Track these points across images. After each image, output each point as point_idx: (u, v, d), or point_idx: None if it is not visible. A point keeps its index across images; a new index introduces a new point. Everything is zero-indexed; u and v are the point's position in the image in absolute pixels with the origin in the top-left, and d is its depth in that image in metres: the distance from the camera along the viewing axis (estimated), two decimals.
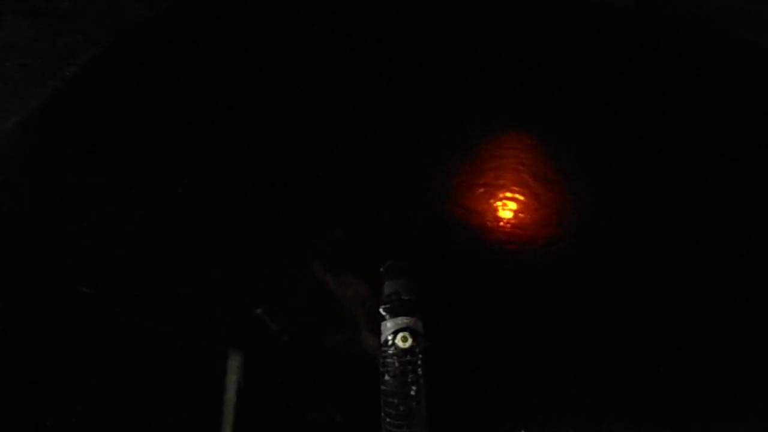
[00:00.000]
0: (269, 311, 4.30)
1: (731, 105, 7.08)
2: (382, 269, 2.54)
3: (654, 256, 5.09)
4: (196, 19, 8.47)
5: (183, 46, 7.82)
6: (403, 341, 2.38)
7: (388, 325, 2.42)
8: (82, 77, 7.26)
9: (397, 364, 2.35)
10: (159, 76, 7.16)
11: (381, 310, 2.46)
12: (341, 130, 6.29)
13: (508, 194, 5.72)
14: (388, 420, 2.39)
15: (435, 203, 5.47)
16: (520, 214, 5.51)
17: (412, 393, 2.37)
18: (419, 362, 2.37)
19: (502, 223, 5.40)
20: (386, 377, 2.38)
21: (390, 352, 2.38)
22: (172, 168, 5.78)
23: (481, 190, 5.73)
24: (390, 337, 2.39)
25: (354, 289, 4.45)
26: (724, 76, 7.72)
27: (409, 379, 2.36)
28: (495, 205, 5.59)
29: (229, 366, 4.15)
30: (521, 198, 5.68)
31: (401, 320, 2.42)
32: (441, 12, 8.92)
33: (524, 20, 8.80)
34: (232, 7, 8.67)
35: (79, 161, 5.90)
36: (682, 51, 8.32)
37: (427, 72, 7.69)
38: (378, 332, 4.14)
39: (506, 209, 5.56)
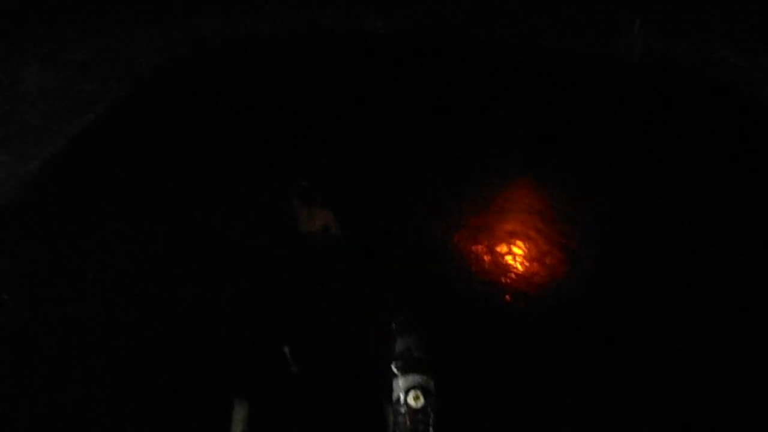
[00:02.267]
0: (292, 351, 4.25)
1: (735, 154, 7.16)
2: (393, 325, 2.52)
3: (663, 302, 5.08)
4: (209, 69, 8.71)
5: (196, 96, 8.06)
6: (414, 400, 2.35)
7: (400, 383, 2.39)
8: (98, 125, 7.41)
9: (408, 423, 2.32)
10: (171, 125, 7.29)
11: (393, 367, 2.44)
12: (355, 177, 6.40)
13: (518, 243, 5.75)
14: None
15: (444, 256, 5.51)
16: (530, 264, 5.53)
17: None
18: (431, 422, 2.34)
19: (513, 273, 5.41)
20: None
21: (402, 410, 2.35)
22: (179, 213, 5.84)
23: (490, 239, 5.77)
24: (402, 396, 2.36)
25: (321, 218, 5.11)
26: (728, 126, 7.83)
27: None
28: (505, 254, 5.61)
29: (234, 417, 4.12)
30: (531, 247, 5.70)
31: (413, 378, 2.40)
32: (453, 62, 9.15)
33: (536, 72, 9.03)
34: (245, 59, 8.93)
35: (91, 205, 5.98)
36: (687, 102, 8.47)
37: (442, 125, 7.90)
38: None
39: (516, 259, 5.58)
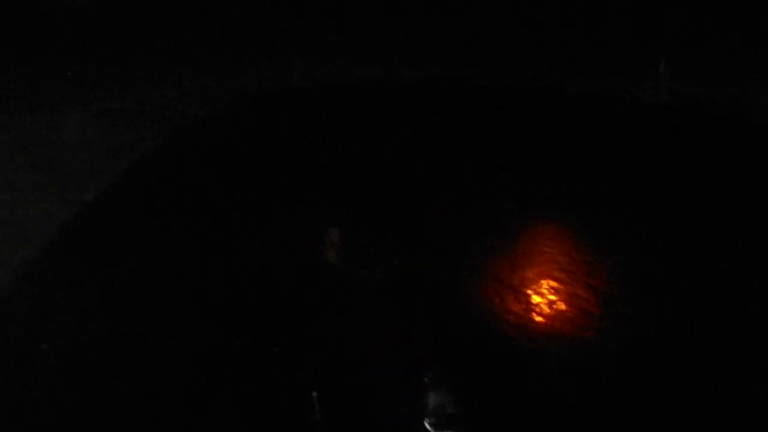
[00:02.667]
0: (321, 397, 4.22)
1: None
2: (426, 379, 2.53)
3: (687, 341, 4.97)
4: (242, 119, 8.99)
5: (230, 142, 8.32)
6: None
7: None
8: (137, 172, 7.63)
9: None
10: (206, 172, 7.46)
11: (426, 424, 2.45)
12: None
13: (544, 291, 5.70)
14: None
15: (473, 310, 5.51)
16: (559, 312, 5.47)
17: None
18: None
19: (539, 321, 5.35)
20: None
21: None
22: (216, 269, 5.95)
23: (517, 289, 5.74)
24: None
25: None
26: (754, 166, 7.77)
27: None
28: (533, 304, 5.56)
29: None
30: (558, 295, 5.65)
31: None
32: (474, 108, 9.32)
33: (554, 116, 9.14)
34: (278, 108, 9.21)
35: (126, 254, 6.11)
36: (711, 141, 8.46)
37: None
38: None
39: (543, 306, 5.52)
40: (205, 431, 4.16)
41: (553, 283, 5.76)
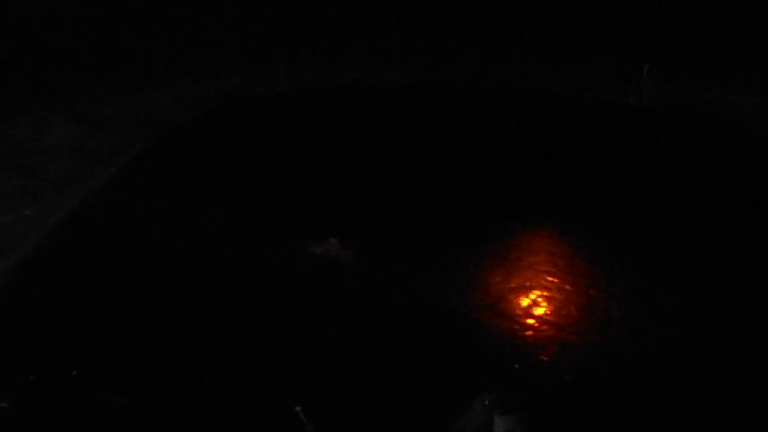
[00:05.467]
0: (306, 410, 4.20)
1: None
2: (486, 401, 2.39)
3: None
4: (228, 124, 8.92)
5: (214, 148, 8.24)
6: None
7: None
8: (119, 178, 7.51)
9: None
10: (189, 178, 7.36)
11: None
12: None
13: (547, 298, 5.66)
14: None
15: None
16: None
17: None
18: None
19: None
20: None
21: None
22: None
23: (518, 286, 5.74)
24: None
25: None
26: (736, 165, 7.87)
27: None
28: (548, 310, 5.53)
29: None
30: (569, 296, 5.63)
31: None
32: (458, 112, 9.35)
33: (536, 120, 9.18)
34: (263, 113, 9.15)
35: (112, 261, 6.02)
36: (694, 143, 8.55)
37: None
38: None
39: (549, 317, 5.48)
40: None
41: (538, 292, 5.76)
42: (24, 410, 4.29)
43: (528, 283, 5.81)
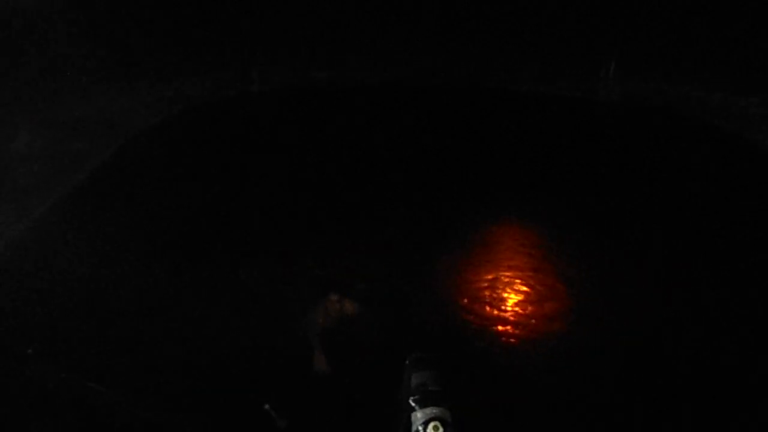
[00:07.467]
0: (276, 407, 4.19)
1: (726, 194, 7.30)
2: (407, 361, 2.55)
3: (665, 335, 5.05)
4: (198, 126, 8.81)
5: (184, 152, 8.09)
6: (434, 430, 2.34)
7: (419, 416, 2.37)
8: (88, 184, 7.32)
9: None
10: (159, 183, 7.25)
11: (410, 401, 2.43)
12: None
13: (519, 282, 5.75)
14: None
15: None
16: (534, 302, 5.52)
17: None
18: None
19: (518, 311, 5.39)
20: None
21: None
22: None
23: (491, 279, 5.79)
24: (421, 428, 2.35)
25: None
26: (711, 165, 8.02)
27: None
28: (507, 294, 5.61)
29: None
30: (534, 285, 5.70)
31: (431, 411, 2.38)
32: (447, 109, 9.40)
33: (520, 116, 9.28)
34: (235, 115, 9.08)
35: (79, 267, 5.87)
36: (664, 138, 8.72)
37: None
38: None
39: (519, 297, 5.57)
40: None
41: (528, 278, 5.82)
42: None
43: (504, 278, 5.87)
